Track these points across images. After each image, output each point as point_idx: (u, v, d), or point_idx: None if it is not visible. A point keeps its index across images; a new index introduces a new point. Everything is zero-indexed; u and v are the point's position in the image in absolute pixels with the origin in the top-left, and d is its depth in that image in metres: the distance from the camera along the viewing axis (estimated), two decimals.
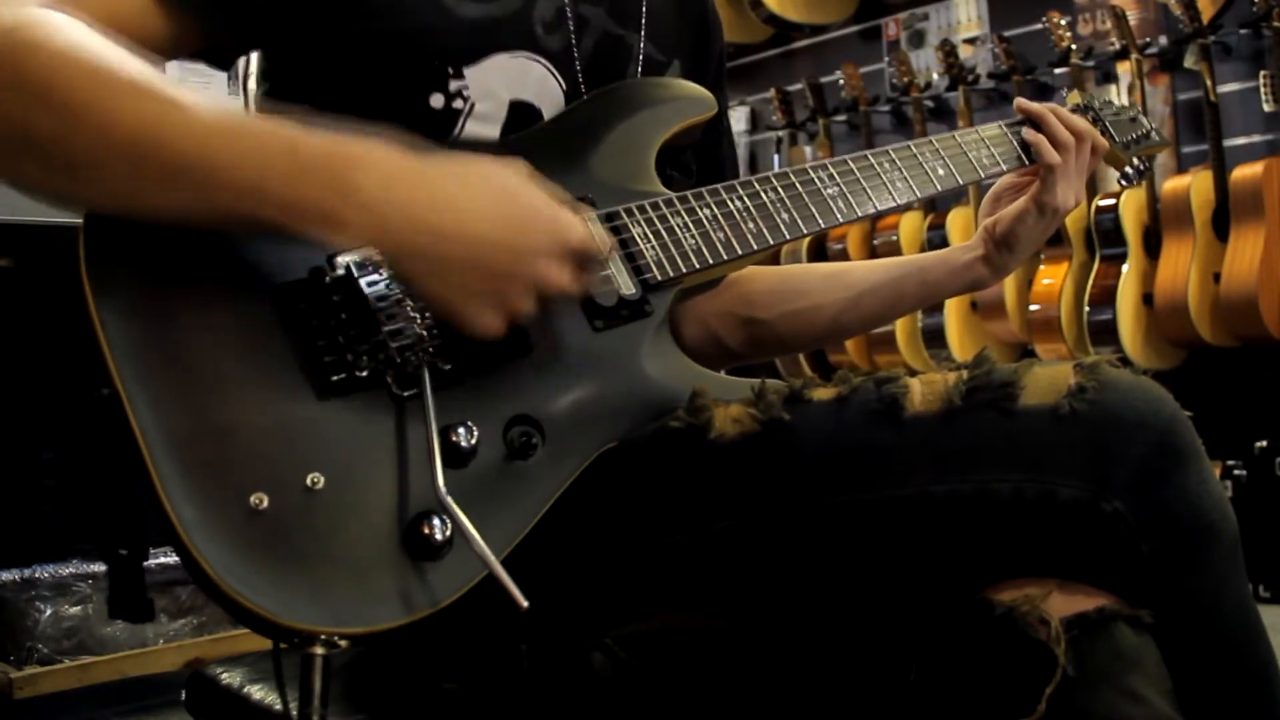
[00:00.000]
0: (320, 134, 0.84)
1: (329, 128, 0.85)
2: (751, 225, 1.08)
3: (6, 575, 2.55)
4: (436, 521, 0.84)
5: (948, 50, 4.05)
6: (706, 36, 1.27)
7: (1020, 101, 1.32)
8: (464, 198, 0.87)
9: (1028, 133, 1.29)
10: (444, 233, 0.85)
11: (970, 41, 4.27)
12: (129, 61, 0.84)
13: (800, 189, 1.12)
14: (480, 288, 0.86)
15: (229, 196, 0.82)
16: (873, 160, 1.20)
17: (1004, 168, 1.29)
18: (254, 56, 1.07)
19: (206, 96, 0.85)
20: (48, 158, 0.82)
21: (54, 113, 0.80)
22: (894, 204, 1.19)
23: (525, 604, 0.81)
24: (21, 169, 0.83)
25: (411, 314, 0.88)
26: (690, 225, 1.04)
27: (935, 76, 4.25)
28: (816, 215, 1.12)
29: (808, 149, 4.57)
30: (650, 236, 1.02)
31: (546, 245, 0.88)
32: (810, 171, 1.15)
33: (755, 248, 1.07)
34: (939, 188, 1.23)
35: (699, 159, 1.24)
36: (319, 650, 0.80)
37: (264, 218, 0.83)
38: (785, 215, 1.10)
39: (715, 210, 1.06)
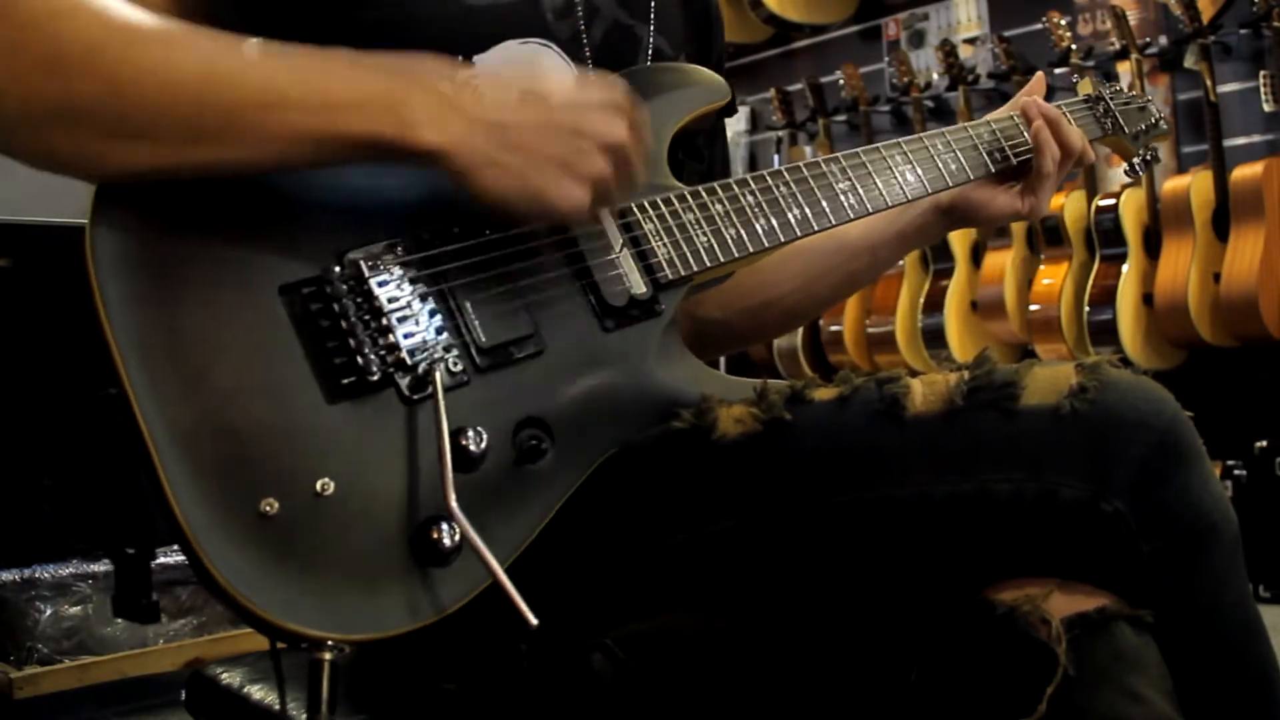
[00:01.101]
0: (369, 54, 0.86)
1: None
2: (763, 222, 1.07)
3: (6, 575, 2.54)
4: (445, 527, 0.83)
5: (948, 50, 4.05)
6: (709, 33, 1.27)
7: (1033, 104, 1.28)
8: (516, 81, 0.91)
9: (1039, 132, 1.25)
10: (508, 102, 0.88)
11: (970, 41, 4.28)
12: (161, 17, 0.84)
13: (812, 183, 1.11)
14: (554, 151, 0.88)
15: (296, 114, 0.82)
16: (884, 153, 1.18)
17: (1014, 161, 1.26)
18: None
19: (246, 38, 0.85)
20: (98, 125, 0.80)
21: (102, 76, 0.79)
22: (905, 199, 1.18)
23: (534, 621, 0.81)
24: (75, 142, 0.81)
25: (423, 315, 0.88)
26: (702, 221, 1.04)
27: (935, 76, 4.25)
28: (828, 211, 1.11)
29: (808, 149, 4.57)
30: (662, 233, 1.01)
31: (601, 100, 0.92)
32: (822, 165, 1.14)
33: (767, 245, 1.06)
34: (950, 182, 1.22)
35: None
36: (327, 655, 0.80)
37: (335, 129, 0.83)
38: (797, 211, 1.09)
39: (727, 205, 1.06)
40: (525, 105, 0.89)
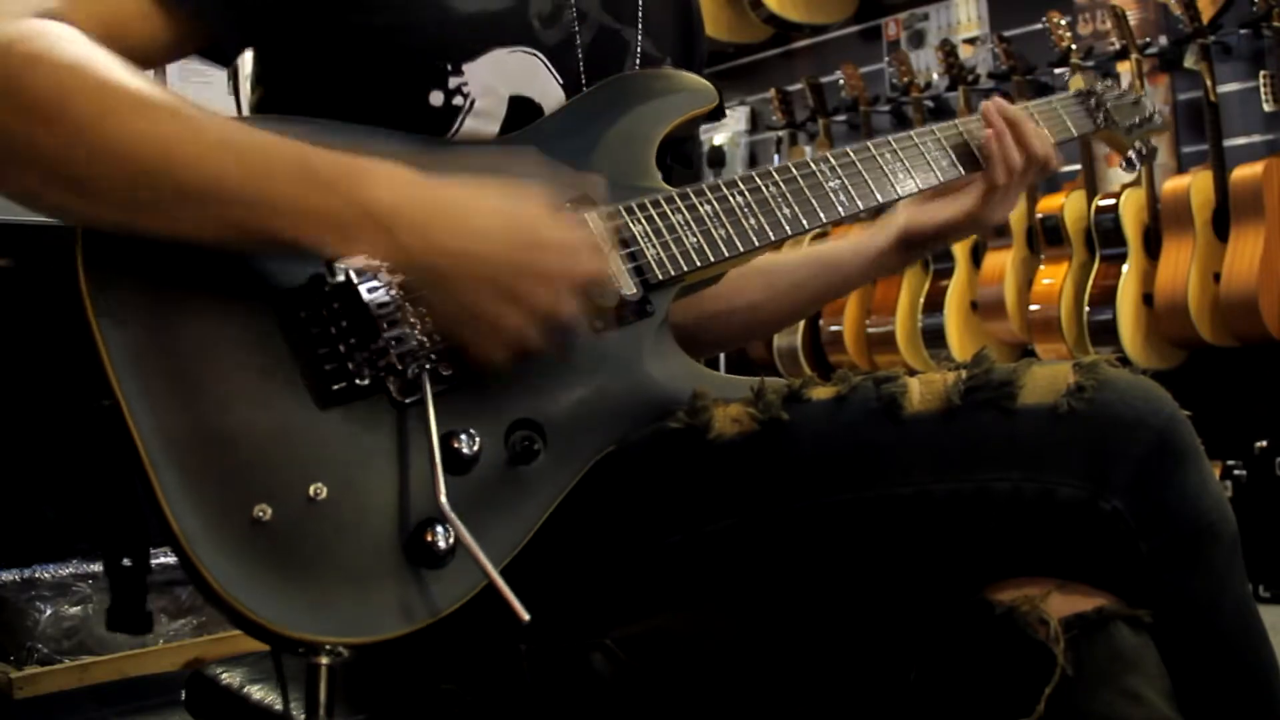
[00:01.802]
0: (331, 151, 0.85)
1: (338, 147, 0.85)
2: (753, 221, 1.07)
3: (6, 575, 2.54)
4: (440, 529, 0.83)
5: (948, 50, 4.04)
6: (691, 34, 1.27)
7: (994, 107, 1.25)
8: (477, 219, 0.87)
9: (989, 142, 1.23)
10: (454, 250, 0.86)
11: (970, 41, 4.27)
12: (134, 78, 0.83)
13: (802, 183, 1.11)
14: (485, 309, 0.86)
15: (239, 212, 0.82)
16: (874, 151, 1.18)
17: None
18: (248, 59, 1.07)
19: (213, 111, 0.85)
20: (51, 173, 0.81)
21: (60, 130, 0.80)
22: (896, 197, 1.18)
23: (527, 617, 0.81)
24: (22, 182, 0.83)
25: (411, 320, 0.88)
26: (691, 222, 1.04)
27: (935, 76, 4.24)
28: (818, 209, 1.11)
29: (807, 149, 4.57)
30: (651, 235, 1.02)
31: (557, 271, 0.88)
32: (812, 164, 1.14)
33: (757, 244, 1.06)
34: (941, 179, 1.22)
35: None
36: (324, 659, 0.80)
37: (274, 232, 0.82)
38: (787, 210, 1.09)
39: (716, 206, 1.06)
40: (463, 258, 0.86)
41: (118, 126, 0.81)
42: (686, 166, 1.21)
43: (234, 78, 2.55)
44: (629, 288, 0.99)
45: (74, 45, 0.83)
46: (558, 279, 0.88)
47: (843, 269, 1.31)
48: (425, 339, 0.88)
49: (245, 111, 1.12)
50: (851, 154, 1.16)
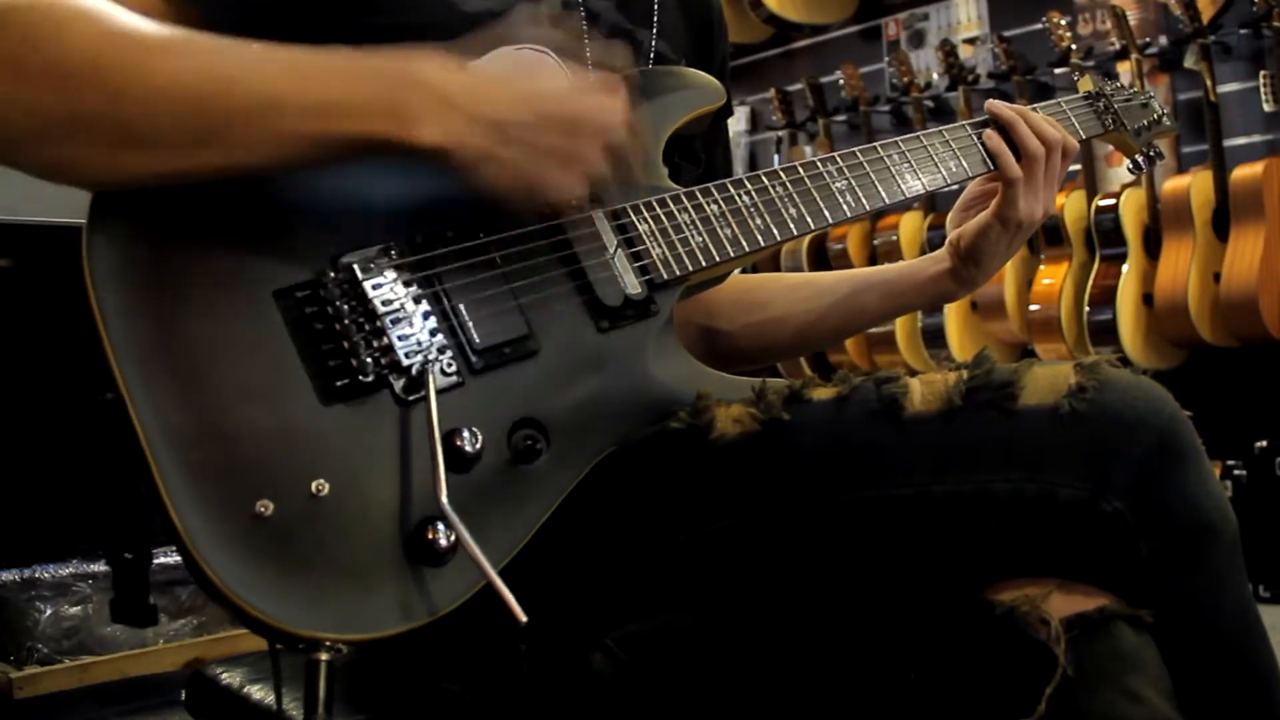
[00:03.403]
0: (370, 52, 0.87)
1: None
2: (759, 221, 1.07)
3: (6, 575, 2.55)
4: (441, 528, 0.84)
5: (948, 50, 4.05)
6: (710, 39, 1.26)
7: (991, 105, 1.25)
8: (514, 76, 0.94)
9: (989, 139, 1.22)
10: (506, 99, 0.89)
11: (970, 41, 4.27)
12: (161, 24, 0.84)
13: (809, 183, 1.11)
14: (550, 144, 0.89)
15: (297, 121, 0.83)
16: (882, 152, 1.18)
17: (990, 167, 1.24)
18: None
19: (244, 41, 0.86)
20: (100, 135, 0.81)
21: (105, 84, 0.80)
22: (903, 197, 1.17)
23: (524, 618, 0.81)
24: (71, 152, 0.82)
25: (417, 317, 0.88)
26: (697, 222, 1.04)
27: (935, 76, 4.25)
28: (825, 210, 1.11)
29: (808, 149, 4.57)
30: (656, 234, 1.01)
31: (596, 96, 0.93)
32: (819, 164, 1.13)
33: (763, 244, 1.06)
34: (948, 180, 1.21)
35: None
36: (323, 656, 0.80)
37: (335, 132, 0.83)
38: (793, 210, 1.09)
39: (723, 206, 1.05)
40: (521, 101, 0.90)
41: (160, 65, 0.81)
42: (694, 164, 1.21)
43: None
44: (634, 287, 0.99)
45: (99, 2, 0.83)
46: (608, 106, 0.93)
47: (889, 286, 1.27)
48: (430, 336, 0.88)
49: None
50: (859, 155, 1.16)
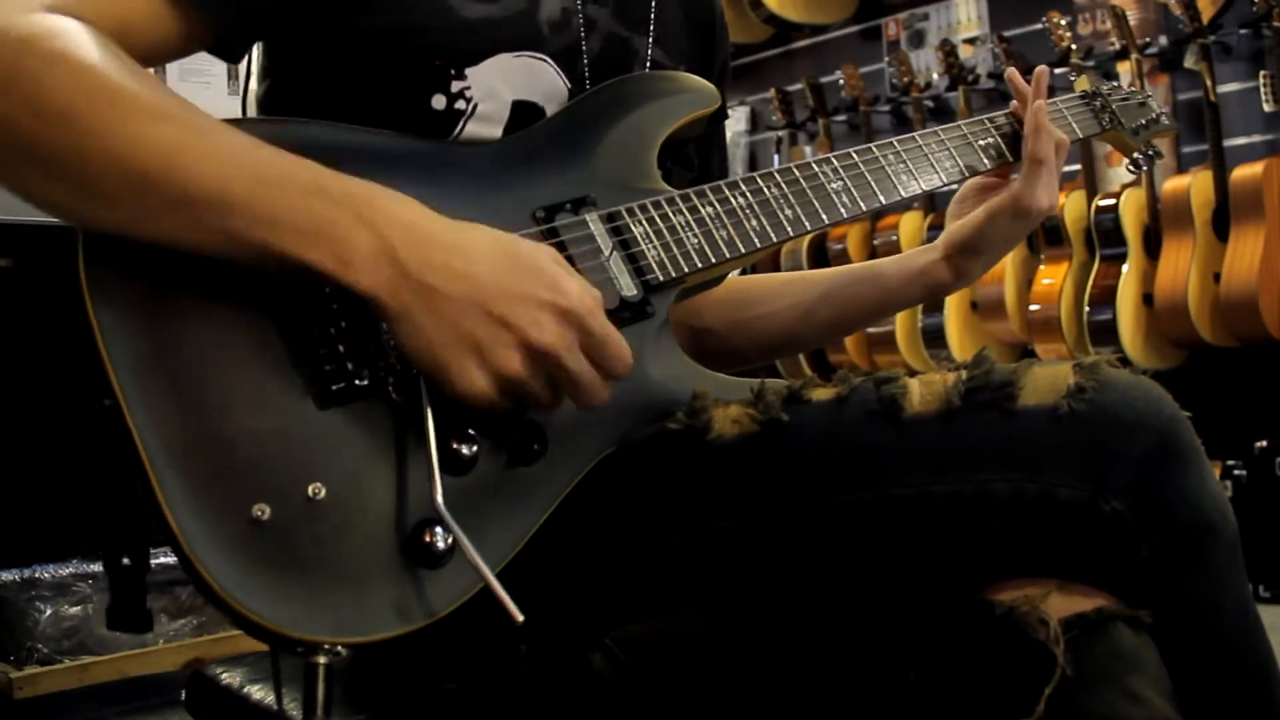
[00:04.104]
0: (340, 174, 0.85)
1: (345, 151, 0.87)
2: (755, 222, 1.07)
3: (6, 575, 2.55)
4: (439, 530, 0.83)
5: (948, 50, 4.05)
6: (712, 44, 1.26)
7: (1011, 74, 1.25)
8: (471, 245, 0.86)
9: (1039, 115, 1.21)
10: (450, 270, 0.84)
11: (970, 41, 4.28)
12: (147, 84, 0.83)
13: (804, 184, 1.11)
14: (470, 331, 0.84)
15: (240, 223, 0.82)
16: (877, 153, 1.18)
17: (1010, 158, 1.25)
18: (255, 54, 1.07)
19: (223, 122, 0.85)
20: (57, 174, 0.81)
21: (70, 133, 0.80)
22: (900, 198, 1.17)
23: (521, 618, 0.81)
24: (28, 178, 0.83)
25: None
26: (693, 224, 1.04)
27: (935, 76, 4.25)
28: (820, 210, 1.11)
29: (808, 149, 4.57)
30: (652, 236, 1.01)
31: (542, 296, 0.86)
32: (814, 166, 1.13)
33: (759, 245, 1.06)
34: (944, 180, 1.21)
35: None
36: (321, 659, 0.80)
37: (273, 245, 0.82)
38: (789, 211, 1.09)
39: (718, 208, 1.05)
40: (466, 280, 0.85)
41: (125, 131, 0.81)
42: (688, 169, 1.21)
43: (234, 79, 2.55)
44: (629, 289, 0.99)
45: (90, 46, 0.83)
46: (544, 301, 0.86)
47: (881, 280, 1.27)
48: None
49: (250, 102, 1.12)
50: (854, 155, 1.16)
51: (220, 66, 2.57)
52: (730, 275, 1.32)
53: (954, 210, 1.29)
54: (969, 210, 1.26)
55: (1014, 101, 1.28)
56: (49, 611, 2.52)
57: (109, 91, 0.82)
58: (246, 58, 1.04)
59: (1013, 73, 1.27)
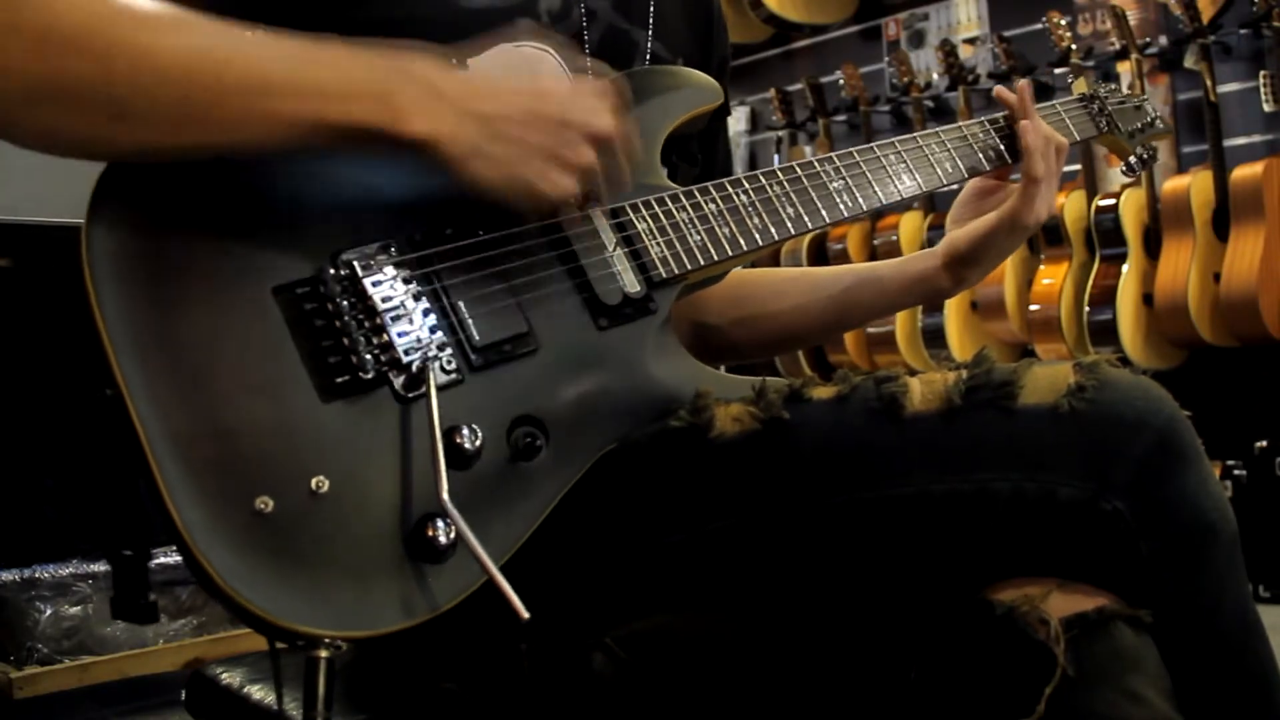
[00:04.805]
0: (364, 43, 0.87)
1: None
2: (757, 220, 1.07)
3: (6, 575, 2.54)
4: (441, 524, 0.84)
5: (948, 50, 4.05)
6: (710, 39, 1.26)
7: (1000, 91, 1.26)
8: (503, 79, 0.94)
9: (1026, 135, 1.21)
10: (496, 95, 0.90)
11: (970, 41, 4.28)
12: (156, 2, 0.84)
13: (806, 182, 1.12)
14: (541, 141, 0.90)
15: (288, 104, 0.83)
16: (878, 153, 1.18)
17: (1010, 160, 1.25)
18: None
19: (242, 26, 0.86)
20: (88, 104, 0.81)
21: (94, 56, 0.79)
22: (900, 197, 1.18)
23: (526, 614, 0.81)
24: (50, 117, 0.81)
25: (416, 314, 0.88)
26: (695, 221, 1.04)
27: (935, 76, 4.25)
28: (822, 209, 1.11)
29: (808, 149, 4.57)
30: (655, 233, 1.02)
31: (590, 94, 0.94)
32: (816, 165, 1.14)
33: (761, 243, 1.07)
34: (944, 181, 1.22)
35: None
36: (323, 653, 0.80)
37: (324, 117, 0.83)
38: (791, 210, 1.10)
39: (721, 205, 1.06)
40: (513, 97, 0.91)
41: (153, 41, 0.81)
42: (691, 165, 1.21)
43: None
44: (633, 285, 0.99)
45: None
46: (602, 105, 0.94)
47: (881, 283, 1.27)
48: (430, 333, 0.88)
49: None
50: (855, 155, 1.17)
51: None
52: (732, 271, 1.33)
53: (954, 216, 1.30)
54: (969, 216, 1.26)
55: None
56: (49, 611, 2.52)
57: (122, 8, 0.81)
58: None
59: (1001, 90, 1.27)
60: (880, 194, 1.16)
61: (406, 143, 0.85)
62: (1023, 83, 1.27)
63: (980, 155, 1.25)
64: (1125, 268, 3.45)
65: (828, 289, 1.29)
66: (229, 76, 0.82)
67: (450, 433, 0.86)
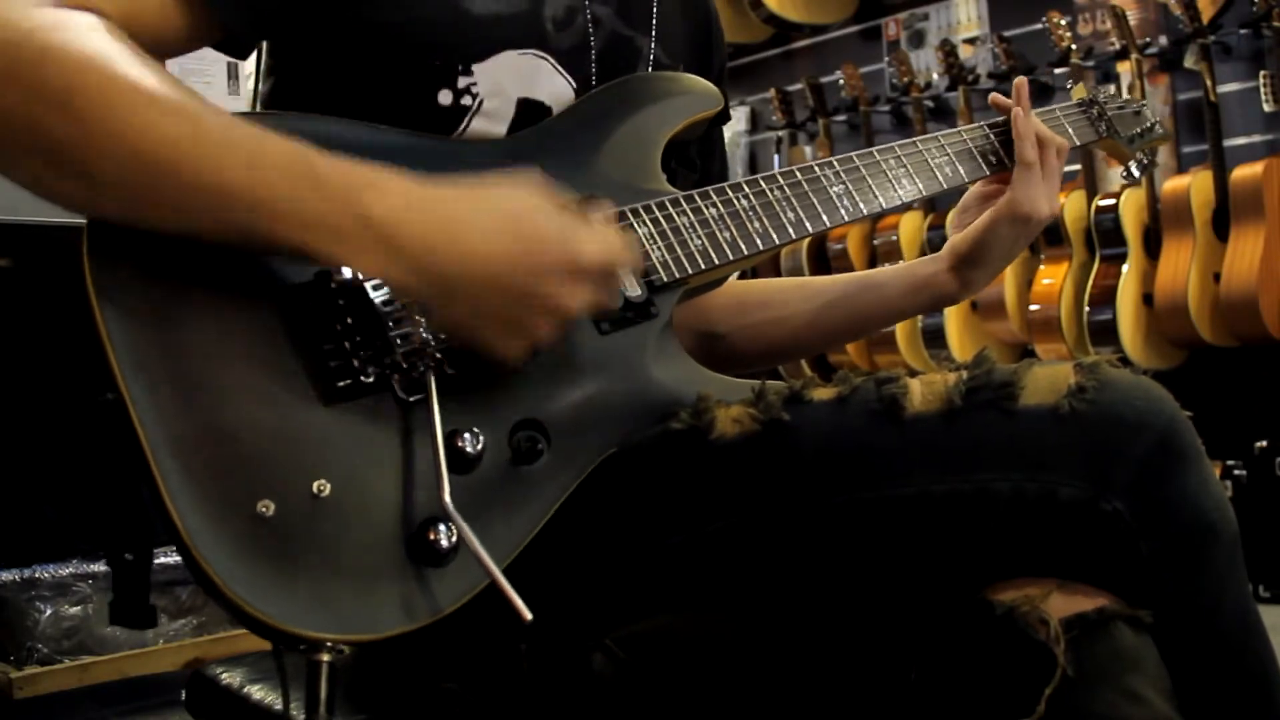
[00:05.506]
0: (338, 160, 0.84)
1: (347, 145, 0.85)
2: (757, 224, 1.07)
3: (6, 575, 2.54)
4: (443, 528, 0.84)
5: (948, 50, 4.05)
6: (709, 45, 1.27)
7: (995, 98, 1.26)
8: (476, 222, 0.85)
9: (1017, 122, 1.23)
10: (455, 256, 0.84)
11: (970, 41, 4.28)
12: (149, 73, 0.83)
13: (806, 187, 1.12)
14: (496, 312, 0.86)
15: (242, 215, 0.81)
16: (879, 157, 1.18)
17: (1010, 164, 1.25)
18: (260, 52, 1.07)
19: (224, 110, 0.85)
20: (60, 162, 0.81)
21: (71, 122, 0.79)
22: (900, 202, 1.18)
23: (529, 616, 0.81)
24: (31, 169, 0.82)
25: (418, 319, 0.88)
26: (696, 225, 1.04)
27: (935, 76, 4.25)
28: (822, 213, 1.12)
29: (808, 149, 4.57)
30: (656, 237, 1.02)
31: (559, 264, 0.86)
32: (816, 169, 1.14)
33: (761, 247, 1.07)
34: (944, 185, 1.22)
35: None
36: (325, 657, 0.80)
37: (277, 236, 0.82)
38: (791, 214, 1.10)
39: (721, 209, 1.06)
40: (483, 252, 0.84)
41: (125, 120, 0.80)
42: (690, 170, 1.21)
43: (233, 79, 2.55)
44: (634, 289, 1.00)
45: (92, 37, 0.83)
46: (563, 269, 0.86)
47: (884, 289, 1.28)
48: (431, 337, 0.88)
49: (255, 102, 1.12)
50: (856, 159, 1.17)
51: (220, 65, 2.57)
52: (735, 278, 1.33)
53: (956, 220, 1.30)
54: (971, 220, 1.26)
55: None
56: (49, 611, 2.52)
57: (106, 80, 0.81)
58: (252, 56, 1.04)
59: (996, 96, 1.28)
60: (880, 198, 1.16)
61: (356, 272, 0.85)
62: (1020, 80, 1.28)
63: (980, 160, 1.25)
64: (1125, 268, 3.45)
65: (833, 297, 1.29)
66: (187, 175, 0.81)
67: (452, 436, 0.86)
